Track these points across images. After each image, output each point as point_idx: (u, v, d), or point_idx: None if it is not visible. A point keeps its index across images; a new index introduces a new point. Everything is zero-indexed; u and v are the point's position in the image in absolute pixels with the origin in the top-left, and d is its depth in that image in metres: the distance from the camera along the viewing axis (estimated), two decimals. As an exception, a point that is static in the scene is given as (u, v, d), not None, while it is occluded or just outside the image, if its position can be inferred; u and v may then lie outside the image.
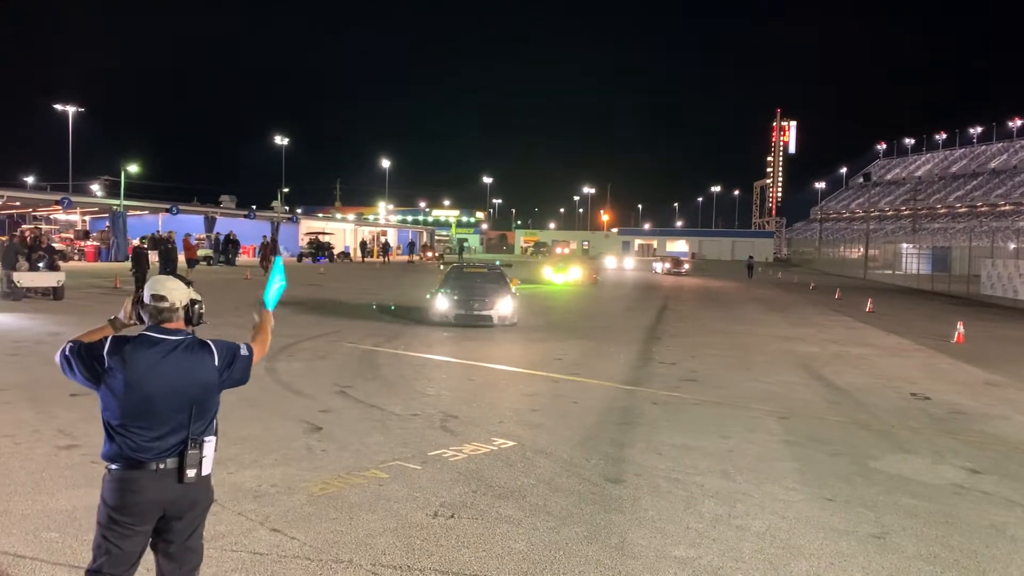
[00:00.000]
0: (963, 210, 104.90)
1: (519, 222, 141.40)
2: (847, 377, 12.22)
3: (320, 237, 58.46)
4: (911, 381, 12.04)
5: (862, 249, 67.43)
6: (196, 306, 3.37)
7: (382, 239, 65.11)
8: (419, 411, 8.85)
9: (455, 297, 17.39)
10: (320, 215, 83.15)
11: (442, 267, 32.20)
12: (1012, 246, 67.88)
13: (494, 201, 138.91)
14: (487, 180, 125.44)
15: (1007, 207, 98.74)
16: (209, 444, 3.27)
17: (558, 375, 11.57)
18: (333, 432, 7.84)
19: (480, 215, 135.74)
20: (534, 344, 15.11)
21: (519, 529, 5.38)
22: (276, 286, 3.92)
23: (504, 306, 17.24)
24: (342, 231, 68.91)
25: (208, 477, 3.28)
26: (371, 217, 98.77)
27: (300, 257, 54.26)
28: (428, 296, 18.43)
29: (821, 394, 10.86)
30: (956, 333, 17.26)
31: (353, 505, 5.75)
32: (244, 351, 3.42)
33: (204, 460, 3.24)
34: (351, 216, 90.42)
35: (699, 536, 5.38)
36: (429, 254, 70.07)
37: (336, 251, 58.08)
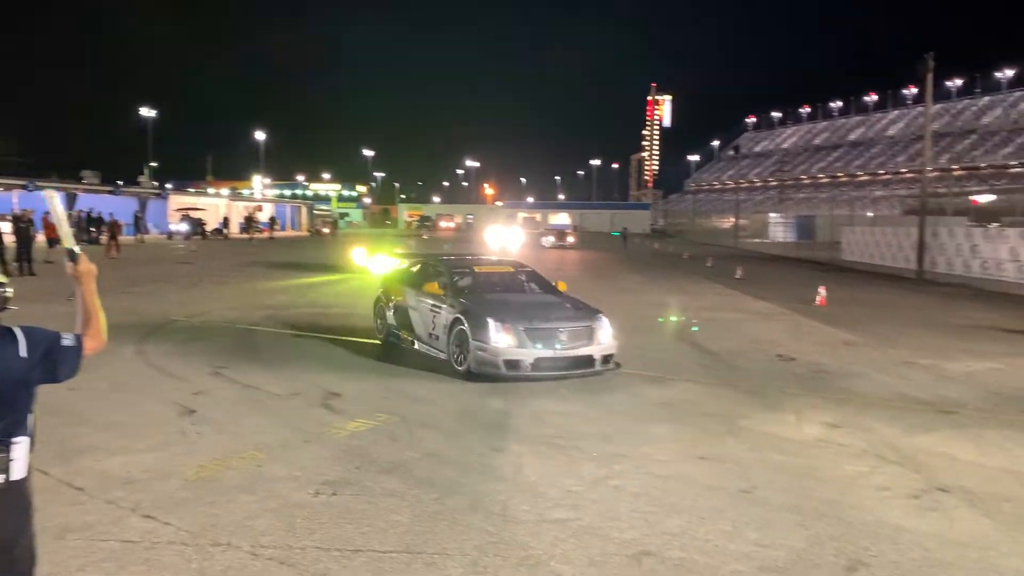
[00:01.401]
0: (825, 180, 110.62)
1: (403, 196, 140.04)
2: (719, 341, 12.75)
3: (192, 213, 56.12)
4: (778, 343, 12.68)
5: (733, 219, 70.26)
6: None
7: (257, 214, 63.09)
8: (300, 390, 8.68)
9: (520, 327, 9.21)
10: (192, 190, 79.80)
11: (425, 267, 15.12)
12: (869, 214, 72.17)
13: (377, 175, 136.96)
14: (369, 153, 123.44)
15: (865, 177, 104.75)
16: (19, 446, 2.88)
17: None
18: (209, 414, 7.60)
19: (362, 189, 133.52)
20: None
21: (403, 502, 5.38)
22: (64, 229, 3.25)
23: (605, 335, 9.69)
24: (215, 207, 66.33)
25: (21, 483, 2.89)
26: (246, 192, 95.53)
27: (171, 235, 51.96)
28: (438, 327, 10.15)
29: (694, 358, 11.31)
30: (818, 297, 18.26)
31: (231, 488, 5.61)
32: (68, 341, 2.97)
33: (12, 464, 2.85)
34: (225, 191, 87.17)
35: (578, 498, 5.53)
36: (325, 230, 68.15)
37: (209, 227, 55.92)
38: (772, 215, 78.84)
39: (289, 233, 69.48)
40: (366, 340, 11.97)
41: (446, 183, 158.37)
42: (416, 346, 10.66)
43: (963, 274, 26.38)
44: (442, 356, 9.96)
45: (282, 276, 23.66)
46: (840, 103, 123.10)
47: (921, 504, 5.58)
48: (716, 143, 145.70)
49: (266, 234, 58.13)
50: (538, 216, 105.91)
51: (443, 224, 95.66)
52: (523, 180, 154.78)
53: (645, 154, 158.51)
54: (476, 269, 11.41)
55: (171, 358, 10.36)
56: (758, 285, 23.30)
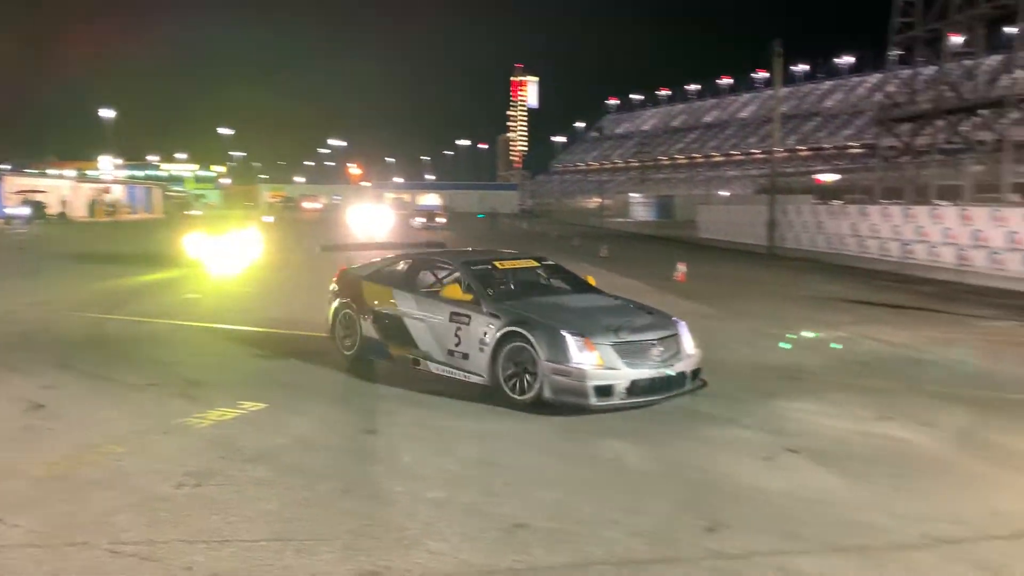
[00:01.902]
0: (683, 161, 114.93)
1: (264, 176, 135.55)
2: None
3: (32, 195, 52.37)
4: (641, 318, 13.11)
5: (598, 199, 71.99)
6: None
7: (104, 197, 59.55)
8: (157, 380, 8.30)
9: (606, 342, 7.16)
10: (31, 171, 74.42)
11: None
12: (724, 193, 75.57)
13: (236, 154, 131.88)
14: (226, 132, 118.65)
15: (719, 158, 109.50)
16: None
17: (310, 333, 11.32)
18: (59, 409, 7.16)
19: (219, 169, 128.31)
20: (295, 303, 14.67)
21: (271, 490, 5.25)
22: None
23: (689, 344, 7.80)
24: (58, 188, 62.17)
25: None
26: (93, 173, 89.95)
27: (8, 219, 48.29)
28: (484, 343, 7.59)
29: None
30: (678, 273, 18.99)
31: (86, 484, 5.31)
32: None
33: None
34: (70, 172, 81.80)
35: (453, 477, 5.56)
36: (196, 212, 64.93)
37: (52, 211, 52.38)
38: (634, 195, 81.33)
39: (143, 216, 65.96)
40: (233, 327, 11.56)
41: (310, 163, 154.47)
42: (426, 366, 8.14)
43: (810, 248, 28.08)
44: (477, 379, 7.61)
45: (79, 278, 22.41)
46: (697, 87, 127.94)
47: (774, 464, 5.93)
48: (581, 125, 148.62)
49: (112, 217, 55.02)
50: (407, 196, 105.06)
51: (307, 205, 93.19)
52: (390, 160, 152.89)
53: (512, 135, 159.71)
54: (498, 265, 8.76)
55: (12, 350, 9.68)
56: (622, 263, 23.99)
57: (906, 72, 44.57)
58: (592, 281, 9.33)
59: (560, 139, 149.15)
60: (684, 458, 6.08)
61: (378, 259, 9.84)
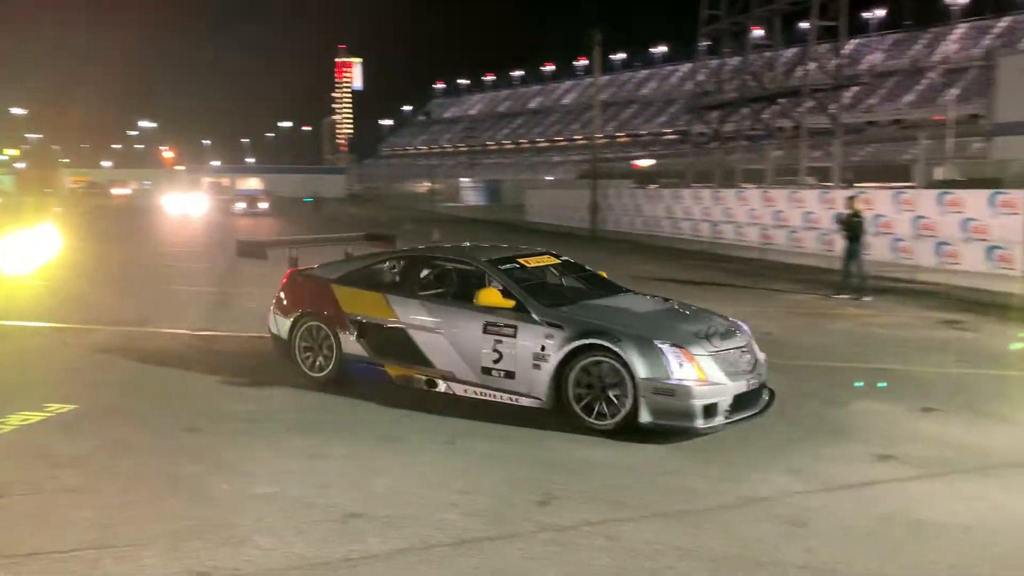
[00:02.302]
0: (510, 146, 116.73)
1: (66, 160, 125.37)
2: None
3: None
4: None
5: (428, 184, 71.92)
6: None
7: None
8: (-53, 383, 7.54)
9: (703, 352, 6.19)
10: None
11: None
12: (549, 178, 77.38)
13: (32, 136, 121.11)
14: (19, 112, 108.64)
15: (544, 143, 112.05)
16: None
17: (127, 327, 10.64)
18: None
19: (11, 152, 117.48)
20: (103, 297, 13.70)
21: (84, 496, 4.91)
22: None
23: (758, 351, 6.92)
24: None
25: None
26: None
27: None
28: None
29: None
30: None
31: None
32: None
33: None
34: None
35: (282, 472, 5.42)
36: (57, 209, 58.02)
37: None
38: (463, 180, 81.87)
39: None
40: (29, 324, 10.66)
41: (118, 146, 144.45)
42: (448, 388, 6.88)
43: (629, 231, 29.35)
44: (530, 402, 6.48)
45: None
46: (521, 73, 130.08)
47: (599, 440, 6.18)
48: (409, 108, 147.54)
49: None
50: (226, 181, 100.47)
51: (115, 191, 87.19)
52: (207, 143, 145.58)
53: (337, 118, 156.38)
54: (525, 263, 7.47)
55: None
56: (452, 247, 24.09)
57: (714, 62, 47.31)
58: (603, 275, 7.99)
59: (387, 122, 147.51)
60: (514, 434, 6.22)
61: (339, 259, 8.37)
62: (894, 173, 41.65)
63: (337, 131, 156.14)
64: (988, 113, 41.16)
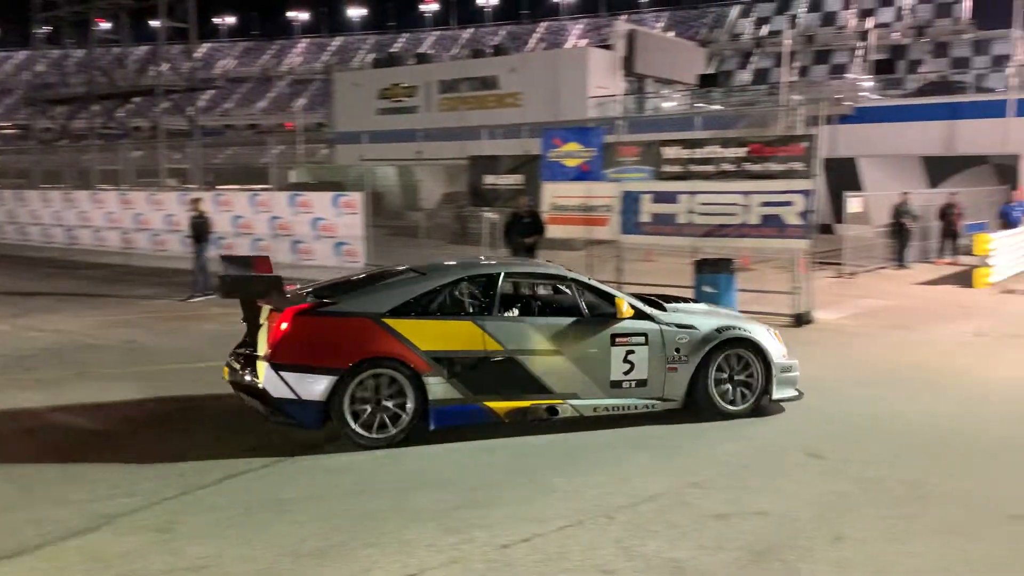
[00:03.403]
0: None
1: None
2: None
3: None
4: None
5: None
6: None
7: None
8: None
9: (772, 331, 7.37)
10: None
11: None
12: None
13: None
14: None
15: None
16: None
17: None
18: None
19: None
20: None
21: None
22: None
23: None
24: None
25: None
26: None
27: None
28: None
29: None
30: None
31: None
32: None
33: None
34: None
35: None
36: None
37: None
38: None
39: None
40: None
41: None
42: (569, 411, 6.45)
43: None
44: (665, 405, 6.73)
45: None
46: None
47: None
48: None
49: None
50: None
51: None
52: None
53: None
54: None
55: None
56: None
57: (56, 53, 43.29)
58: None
59: None
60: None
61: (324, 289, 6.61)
62: (253, 176, 43.58)
63: None
64: (330, 122, 45.87)
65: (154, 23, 42.04)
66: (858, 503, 5.00)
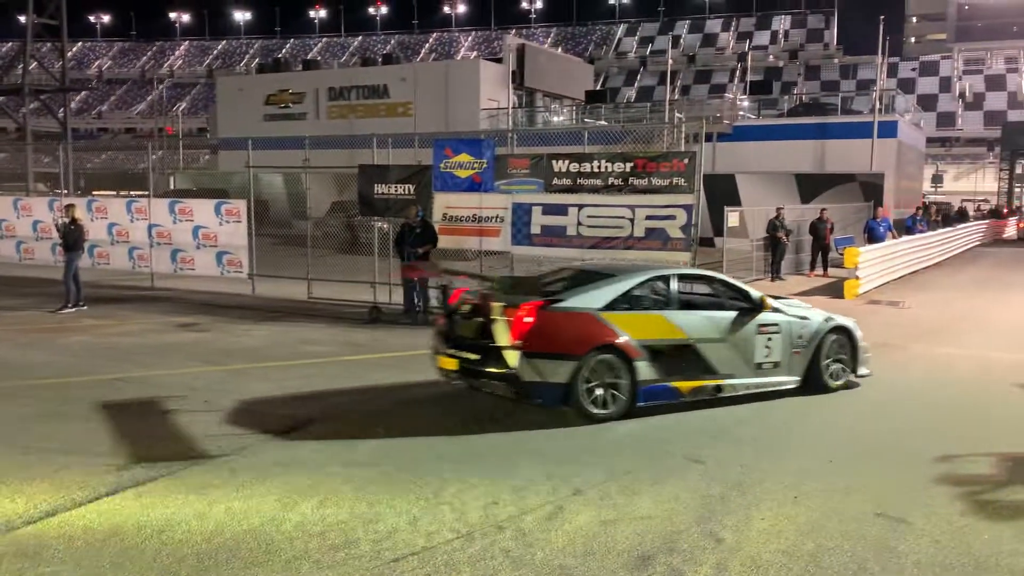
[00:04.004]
0: None
1: None
2: None
3: None
4: None
5: None
6: None
7: None
8: None
9: None
10: None
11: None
12: None
13: None
14: None
15: None
16: None
17: None
18: None
19: None
20: None
21: None
22: None
23: None
24: None
25: None
26: None
27: None
28: None
29: None
30: None
31: None
32: None
33: None
34: None
35: None
36: None
37: None
38: None
39: None
40: None
41: None
42: (728, 391, 7.63)
43: None
44: (791, 385, 8.03)
45: None
46: None
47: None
48: None
49: None
50: None
51: None
52: None
53: None
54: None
55: None
56: None
57: (-90, 46, 40.30)
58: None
59: None
60: None
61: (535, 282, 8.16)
62: (130, 181, 41.75)
63: None
64: (212, 128, 44.44)
65: (22, 18, 39.74)
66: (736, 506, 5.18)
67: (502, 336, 6.89)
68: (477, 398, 7.60)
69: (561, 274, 8.21)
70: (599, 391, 7.00)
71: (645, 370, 7.13)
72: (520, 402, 7.09)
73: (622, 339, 7.07)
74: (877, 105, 29.98)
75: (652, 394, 7.20)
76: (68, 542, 4.50)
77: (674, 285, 7.70)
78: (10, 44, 42.98)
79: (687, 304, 7.80)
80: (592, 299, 7.28)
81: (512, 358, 6.84)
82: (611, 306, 7.27)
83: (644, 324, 7.30)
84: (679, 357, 7.36)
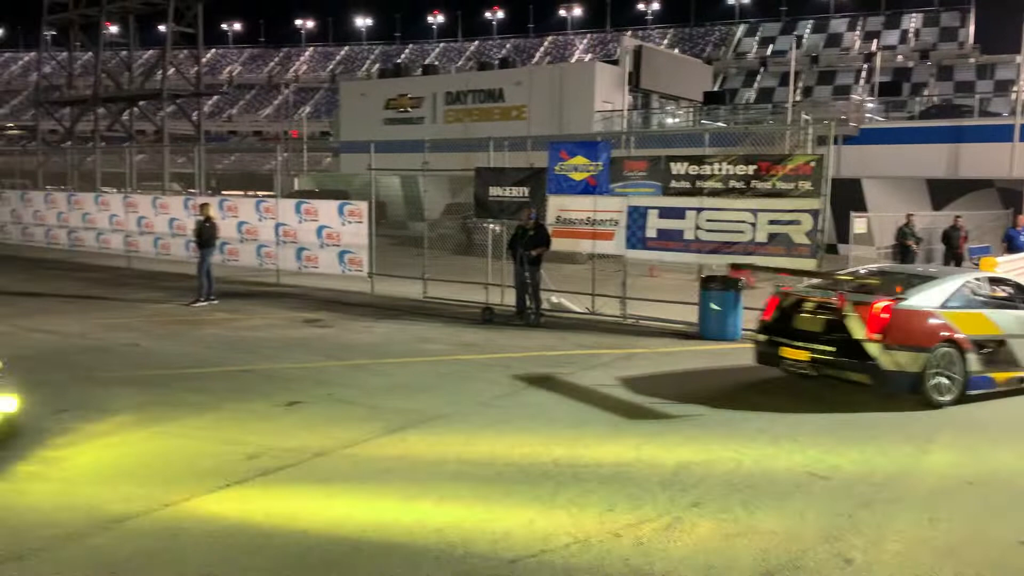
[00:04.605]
0: None
1: None
2: None
3: None
4: None
5: None
6: None
7: None
8: None
9: None
10: None
11: None
12: None
13: None
14: None
15: None
16: None
17: None
18: None
19: None
20: None
21: None
22: None
23: None
24: None
25: None
26: None
27: None
28: None
29: None
30: None
31: None
32: None
33: None
34: None
35: None
36: None
37: None
38: None
39: None
40: None
41: None
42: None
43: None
44: None
45: None
46: None
47: None
48: None
49: None
50: None
51: None
52: None
53: None
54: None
55: None
56: None
57: (63, 55, 43.37)
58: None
59: None
60: None
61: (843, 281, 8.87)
62: (257, 182, 43.64)
63: None
64: (334, 131, 45.95)
65: (162, 28, 42.14)
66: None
67: (858, 330, 7.65)
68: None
69: (864, 276, 9.04)
70: (942, 380, 7.73)
71: (974, 362, 7.88)
72: (882, 390, 7.77)
73: (959, 334, 7.83)
74: (1019, 107, 28.16)
75: (976, 384, 7.93)
76: (202, 524, 4.72)
77: (986, 287, 8.60)
78: (151, 52, 45.63)
79: (994, 304, 8.48)
80: (930, 298, 8.09)
81: (874, 349, 7.60)
82: (944, 304, 8.04)
83: (970, 321, 8.04)
84: (995, 351, 8.08)
